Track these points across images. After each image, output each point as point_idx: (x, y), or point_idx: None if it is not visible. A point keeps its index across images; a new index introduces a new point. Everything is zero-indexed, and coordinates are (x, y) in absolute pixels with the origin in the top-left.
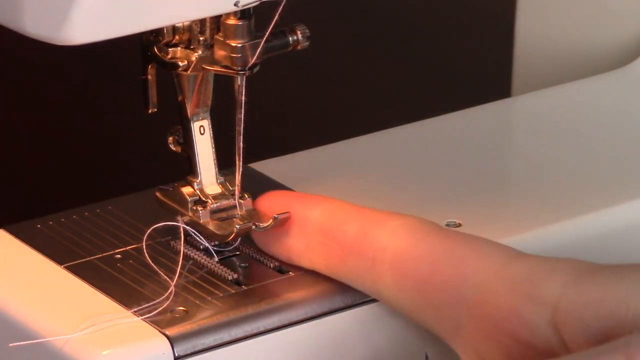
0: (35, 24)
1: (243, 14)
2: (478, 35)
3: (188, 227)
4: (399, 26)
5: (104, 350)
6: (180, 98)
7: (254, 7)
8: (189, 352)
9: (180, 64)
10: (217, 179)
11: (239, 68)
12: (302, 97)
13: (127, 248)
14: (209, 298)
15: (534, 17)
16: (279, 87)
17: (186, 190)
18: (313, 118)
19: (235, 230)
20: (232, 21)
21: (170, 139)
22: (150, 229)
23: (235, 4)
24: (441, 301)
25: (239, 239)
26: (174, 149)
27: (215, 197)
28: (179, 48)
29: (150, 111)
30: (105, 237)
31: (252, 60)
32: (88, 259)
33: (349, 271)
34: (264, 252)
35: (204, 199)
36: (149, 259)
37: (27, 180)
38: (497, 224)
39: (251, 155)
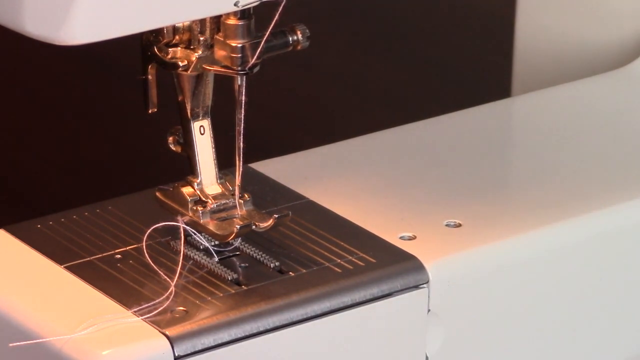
0: (35, 24)
1: (243, 14)
2: (478, 35)
3: (188, 227)
4: (399, 26)
5: (104, 350)
6: (180, 98)
7: (254, 7)
8: (188, 352)
9: (181, 64)
10: (217, 179)
11: (239, 68)
12: (302, 97)
13: (127, 248)
14: (209, 298)
15: (534, 17)
16: (279, 87)
17: (186, 190)
18: (313, 118)
19: (235, 230)
20: (232, 21)
21: (170, 139)
22: (150, 229)
23: (235, 4)
24: None
25: (239, 239)
26: (174, 149)
27: (215, 197)
28: (179, 48)
29: (150, 111)
30: (105, 237)
31: (252, 60)
32: (88, 259)
33: None
34: (264, 252)
35: (204, 199)
36: (149, 259)
37: (27, 180)
38: (497, 224)
39: (251, 155)
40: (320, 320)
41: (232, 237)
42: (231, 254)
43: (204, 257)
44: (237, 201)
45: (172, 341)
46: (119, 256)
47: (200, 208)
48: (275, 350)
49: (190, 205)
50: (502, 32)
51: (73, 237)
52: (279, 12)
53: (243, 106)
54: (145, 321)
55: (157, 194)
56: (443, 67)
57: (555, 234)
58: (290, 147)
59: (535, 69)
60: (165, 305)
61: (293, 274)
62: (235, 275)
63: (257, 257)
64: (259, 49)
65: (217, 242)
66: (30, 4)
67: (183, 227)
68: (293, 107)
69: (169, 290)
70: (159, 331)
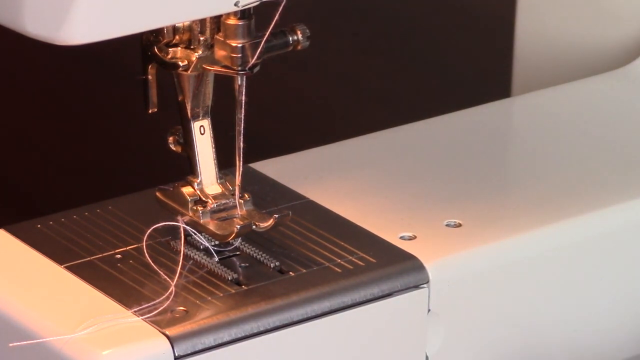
0: (35, 24)
1: (243, 14)
2: (478, 35)
3: (188, 227)
4: (399, 26)
5: (104, 350)
6: (180, 98)
7: (254, 7)
8: (189, 352)
9: (181, 64)
10: (217, 179)
11: (239, 68)
12: (302, 97)
13: (127, 248)
14: (209, 298)
15: (534, 17)
16: (279, 87)
17: (186, 190)
18: (313, 118)
19: (235, 230)
20: (232, 21)
21: (170, 139)
22: (150, 229)
23: (236, 4)
24: None
25: (239, 239)
26: (174, 149)
27: (215, 197)
28: (179, 48)
29: (150, 111)
30: (105, 237)
31: (252, 60)
32: (88, 259)
33: None
34: (264, 252)
35: (204, 199)
36: (149, 259)
37: (27, 180)
38: (497, 224)
39: (251, 155)
40: (320, 320)
41: (232, 237)
42: (231, 254)
43: (204, 257)
44: (237, 201)
45: (172, 341)
46: (119, 256)
47: (200, 208)
48: (275, 350)
49: (190, 205)
50: (502, 32)
51: (73, 237)
52: (279, 12)
53: (243, 106)
54: (146, 321)
55: (157, 194)
56: (443, 67)
57: (555, 234)
58: (290, 147)
59: (535, 69)
60: (165, 305)
61: (293, 274)
62: (235, 275)
63: (257, 257)
64: (259, 49)
65: (217, 242)
66: (30, 4)
67: (183, 227)
68: (293, 107)
69: (169, 290)
70: (159, 331)
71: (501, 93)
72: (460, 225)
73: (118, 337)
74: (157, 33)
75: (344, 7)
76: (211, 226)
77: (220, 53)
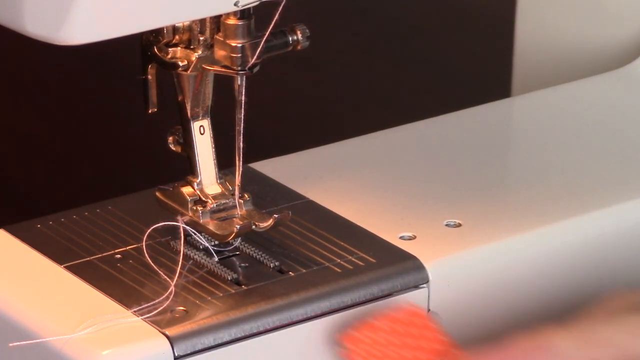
0: (35, 24)
1: (243, 14)
2: (478, 35)
3: (188, 227)
4: (399, 26)
5: (104, 350)
6: (180, 98)
7: (254, 7)
8: (188, 352)
9: (180, 63)
10: (217, 179)
11: (239, 68)
12: (302, 97)
13: (127, 248)
14: (209, 298)
15: (534, 17)
16: (279, 87)
17: (186, 190)
18: (313, 118)
19: (235, 230)
20: (232, 21)
21: (170, 139)
22: (150, 229)
23: (235, 4)
24: None
25: (239, 239)
26: (174, 149)
27: (215, 197)
28: (179, 48)
29: (150, 111)
30: (105, 237)
31: (252, 60)
32: (88, 259)
33: None
34: (264, 252)
35: (204, 198)
36: (149, 259)
37: (27, 180)
38: (497, 224)
39: (251, 155)
40: (320, 320)
41: (232, 237)
42: (231, 254)
43: (204, 257)
44: (237, 201)
45: (172, 341)
46: (119, 256)
47: (200, 208)
48: (275, 350)
49: (190, 205)
50: (502, 32)
51: (73, 237)
52: (279, 12)
53: (243, 106)
54: (145, 321)
55: (157, 194)
56: (443, 67)
57: (555, 233)
58: (290, 147)
59: (535, 69)
60: (165, 305)
61: (293, 274)
62: (235, 275)
63: (257, 257)
64: (259, 49)
65: (217, 242)
66: (30, 4)
67: (183, 227)
68: (293, 107)
69: (169, 290)
70: (159, 331)
71: (501, 93)
72: (460, 225)
73: (118, 337)
74: (157, 33)
75: (344, 7)
76: (211, 226)
77: (220, 53)
